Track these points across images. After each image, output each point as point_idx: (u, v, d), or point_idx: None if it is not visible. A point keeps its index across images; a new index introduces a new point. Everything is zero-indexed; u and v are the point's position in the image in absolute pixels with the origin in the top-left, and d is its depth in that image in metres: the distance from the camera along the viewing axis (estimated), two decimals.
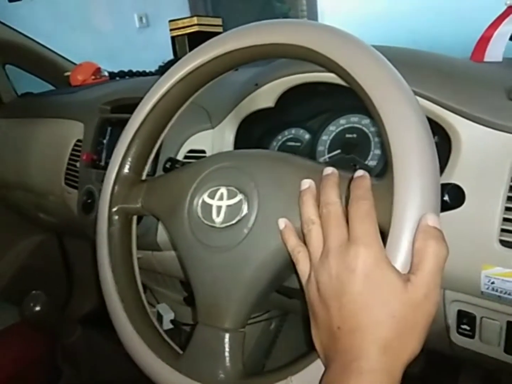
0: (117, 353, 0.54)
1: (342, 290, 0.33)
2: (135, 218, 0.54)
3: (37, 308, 0.69)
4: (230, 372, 0.41)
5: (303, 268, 0.38)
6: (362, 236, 0.33)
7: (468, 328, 0.51)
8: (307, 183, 0.40)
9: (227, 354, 0.42)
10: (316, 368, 0.37)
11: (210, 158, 0.50)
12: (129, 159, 0.53)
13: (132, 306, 0.49)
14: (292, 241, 0.39)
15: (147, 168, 0.55)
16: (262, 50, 0.44)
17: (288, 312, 0.93)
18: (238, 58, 0.47)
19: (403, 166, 0.34)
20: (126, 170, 0.53)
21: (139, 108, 0.52)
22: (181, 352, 0.46)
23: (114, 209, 0.52)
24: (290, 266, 0.46)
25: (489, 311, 0.48)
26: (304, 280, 0.38)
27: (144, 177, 0.55)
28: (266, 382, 0.39)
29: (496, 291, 0.45)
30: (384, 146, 0.36)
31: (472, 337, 0.51)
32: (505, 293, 0.44)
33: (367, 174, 0.37)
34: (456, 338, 0.52)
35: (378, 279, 0.32)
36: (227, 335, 0.42)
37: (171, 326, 0.92)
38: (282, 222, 0.40)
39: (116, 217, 0.52)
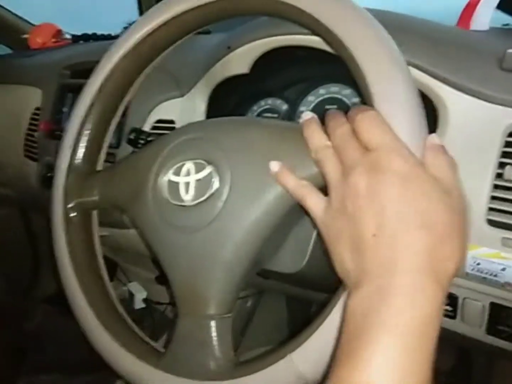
0: (83, 335, 0.50)
1: (377, 195, 0.29)
2: (95, 214, 0.49)
3: None
4: (222, 362, 0.37)
5: (315, 199, 0.34)
6: (383, 141, 0.30)
7: (450, 308, 0.49)
8: (309, 114, 0.37)
9: (215, 343, 0.38)
10: (316, 341, 0.34)
11: (171, 133, 0.45)
12: (81, 146, 0.47)
13: (104, 313, 0.45)
14: (292, 179, 0.35)
15: (102, 157, 0.50)
16: (241, 4, 0.39)
17: (264, 290, 0.91)
18: (207, 13, 0.42)
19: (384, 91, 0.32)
20: (78, 160, 0.48)
21: (88, 85, 0.47)
22: (162, 350, 0.42)
23: (70, 205, 0.47)
24: (278, 231, 0.41)
25: (472, 292, 0.47)
26: (319, 210, 0.33)
27: (99, 167, 0.50)
28: (263, 365, 0.36)
29: (482, 272, 0.43)
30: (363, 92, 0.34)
31: (453, 317, 0.49)
32: (490, 274, 0.42)
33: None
34: None
35: (416, 178, 0.29)
36: (213, 323, 0.38)
37: (143, 305, 0.89)
38: (275, 165, 0.36)
39: (73, 214, 0.47)
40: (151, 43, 0.45)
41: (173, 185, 0.40)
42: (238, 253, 0.38)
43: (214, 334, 0.38)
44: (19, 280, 1.06)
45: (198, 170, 0.39)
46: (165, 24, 0.43)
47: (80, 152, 0.48)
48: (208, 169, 0.39)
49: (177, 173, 0.40)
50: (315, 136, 0.35)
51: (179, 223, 0.40)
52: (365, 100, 0.34)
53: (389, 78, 0.32)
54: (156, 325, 0.87)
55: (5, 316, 0.80)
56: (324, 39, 0.36)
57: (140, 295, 0.91)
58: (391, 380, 0.26)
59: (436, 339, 0.27)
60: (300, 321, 1.01)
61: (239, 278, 0.39)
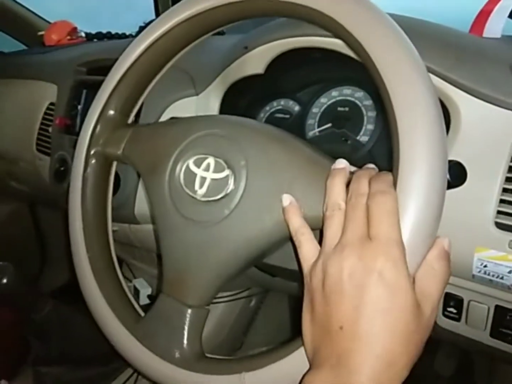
0: (89, 327, 0.51)
1: (355, 290, 0.30)
2: (114, 165, 0.50)
3: (4, 281, 0.66)
4: (186, 351, 0.39)
5: (307, 252, 0.34)
6: (385, 236, 0.30)
7: (454, 311, 0.50)
8: (342, 163, 0.36)
9: (186, 331, 0.39)
10: (271, 371, 0.35)
11: (203, 120, 0.46)
12: (117, 97, 0.48)
13: (97, 257, 0.47)
14: (297, 221, 0.36)
15: (135, 111, 0.50)
16: (254, 5, 0.40)
17: (268, 289, 0.92)
18: (227, 14, 0.43)
19: (411, 159, 0.31)
20: (111, 110, 0.48)
21: (132, 47, 0.47)
22: (142, 315, 0.44)
23: (92, 152, 0.48)
24: (269, 251, 0.44)
25: (477, 295, 0.47)
26: (307, 265, 0.34)
27: (130, 120, 0.50)
28: (218, 371, 0.38)
29: (488, 274, 0.43)
30: (390, 127, 0.33)
31: (458, 320, 0.50)
32: (497, 277, 0.43)
33: (389, 174, 0.33)
34: (442, 320, 0.51)
35: (396, 286, 0.29)
36: (188, 311, 0.40)
37: (148, 301, 0.89)
38: (287, 199, 0.37)
39: (94, 160, 0.48)
40: (170, 42, 0.46)
41: (190, 174, 0.41)
42: (229, 260, 0.40)
43: (186, 321, 0.40)
44: (26, 272, 1.07)
45: (216, 170, 0.40)
46: (184, 22, 0.43)
47: (114, 103, 0.48)
48: (225, 172, 0.40)
49: (197, 164, 0.41)
50: (335, 191, 0.34)
51: (186, 213, 0.41)
52: (384, 106, 0.34)
53: (409, 89, 0.32)
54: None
55: (13, 306, 0.80)
56: (345, 41, 0.37)
57: (145, 291, 0.91)
58: None
59: None
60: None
61: (225, 279, 0.40)
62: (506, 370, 0.73)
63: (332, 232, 0.33)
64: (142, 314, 0.44)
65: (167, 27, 0.45)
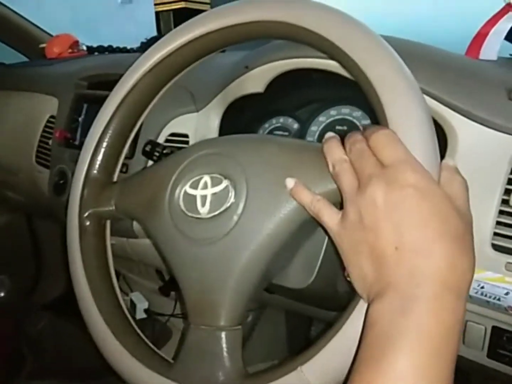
0: (84, 341, 0.51)
1: (396, 207, 0.30)
2: (108, 223, 0.50)
3: (1, 294, 0.65)
4: (231, 373, 0.38)
5: (330, 213, 0.34)
6: (400, 158, 0.31)
7: None
8: (331, 133, 0.37)
9: (225, 354, 0.38)
10: (326, 354, 0.34)
11: (189, 148, 0.47)
12: (99, 158, 0.49)
13: (115, 322, 0.45)
14: (307, 194, 0.36)
15: (118, 169, 0.51)
16: (260, 28, 0.41)
17: (265, 306, 0.91)
18: (227, 36, 0.43)
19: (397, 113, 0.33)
20: (95, 171, 0.49)
21: (110, 99, 0.49)
22: (170, 360, 0.42)
23: (85, 215, 0.48)
24: (289, 246, 0.42)
25: (474, 315, 0.47)
26: (334, 223, 0.34)
27: (115, 178, 0.51)
28: (273, 377, 0.36)
29: (485, 295, 0.43)
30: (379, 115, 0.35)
31: None
32: (494, 298, 0.43)
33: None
34: None
35: (431, 194, 0.30)
36: (223, 334, 0.38)
37: (144, 315, 0.89)
38: (290, 181, 0.37)
39: (88, 223, 0.48)
40: (175, 60, 0.46)
41: (190, 198, 0.41)
42: (250, 267, 0.39)
43: (224, 345, 0.38)
44: (21, 285, 1.07)
45: (214, 184, 0.40)
46: (189, 43, 0.44)
47: (98, 163, 0.49)
48: (224, 183, 0.40)
49: (194, 186, 0.41)
50: (334, 150, 0.36)
51: (194, 235, 0.41)
52: (380, 123, 0.35)
53: (404, 103, 0.33)
54: (156, 336, 0.87)
55: (9, 319, 0.80)
56: (341, 63, 0.38)
57: (141, 305, 0.90)
58: None
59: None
60: (299, 338, 1.01)
61: (250, 291, 0.39)
62: None
63: (348, 180, 0.33)
64: (168, 358, 0.43)
65: (160, 56, 0.46)
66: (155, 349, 0.44)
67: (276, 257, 0.40)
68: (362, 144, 0.34)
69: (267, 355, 0.96)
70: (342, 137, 0.59)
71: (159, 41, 0.46)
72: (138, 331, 0.46)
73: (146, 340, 0.45)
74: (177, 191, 0.42)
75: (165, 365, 0.42)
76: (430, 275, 0.29)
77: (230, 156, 0.41)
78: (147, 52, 0.47)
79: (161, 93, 0.50)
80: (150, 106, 0.50)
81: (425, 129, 0.33)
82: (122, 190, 0.48)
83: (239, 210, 0.39)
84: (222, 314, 0.39)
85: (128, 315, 0.47)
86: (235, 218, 0.39)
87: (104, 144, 0.49)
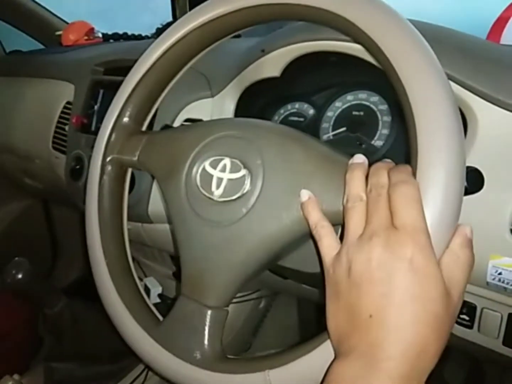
0: (101, 324, 0.52)
1: (385, 278, 0.30)
2: (129, 171, 0.51)
3: (19, 276, 0.67)
4: (207, 352, 0.39)
5: (329, 245, 0.34)
6: (411, 223, 0.30)
7: (467, 318, 0.49)
8: (361, 158, 0.36)
9: (206, 331, 0.40)
10: (296, 367, 0.35)
11: (218, 123, 0.47)
12: (131, 106, 0.49)
13: (115, 263, 0.47)
14: (316, 215, 0.36)
15: (149, 119, 0.51)
16: (282, 9, 0.40)
17: (278, 292, 0.92)
18: (245, 18, 0.43)
19: (430, 162, 0.31)
20: (125, 118, 0.49)
21: (146, 54, 0.48)
22: (161, 319, 0.44)
23: (109, 159, 0.49)
24: (288, 249, 0.43)
25: (491, 302, 0.47)
26: (328, 257, 0.34)
27: (144, 128, 0.51)
28: (241, 370, 0.37)
29: (503, 282, 0.43)
30: (408, 131, 0.33)
31: (470, 327, 0.49)
32: (511, 284, 0.43)
33: (407, 165, 0.34)
34: (453, 327, 0.51)
35: (426, 273, 0.29)
36: (209, 312, 0.40)
37: (158, 300, 0.90)
38: (305, 194, 0.37)
39: (110, 167, 0.49)
40: (189, 43, 0.46)
41: (207, 176, 0.42)
42: (249, 259, 0.40)
43: (207, 322, 0.40)
44: (39, 268, 1.09)
45: (233, 170, 0.40)
46: (205, 24, 0.44)
47: (128, 111, 0.49)
48: (242, 172, 0.40)
49: (213, 165, 0.41)
50: (355, 184, 0.34)
51: (203, 214, 0.41)
52: (404, 114, 0.34)
53: (429, 96, 0.32)
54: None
55: (25, 302, 0.82)
56: (366, 48, 0.37)
57: (155, 290, 0.91)
58: None
59: None
60: (311, 325, 1.02)
61: (244, 279, 0.40)
62: None
63: (355, 223, 0.33)
64: (160, 317, 0.45)
65: (182, 33, 0.45)
66: (159, 316, 0.45)
67: (276, 256, 0.41)
68: (383, 190, 0.33)
69: (279, 341, 0.97)
70: (360, 123, 0.60)
71: (174, 23, 0.46)
72: (155, 310, 0.46)
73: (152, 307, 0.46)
74: (197, 165, 0.42)
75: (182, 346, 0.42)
76: (397, 355, 0.28)
77: (255, 145, 0.40)
78: (162, 35, 0.47)
79: (177, 76, 0.50)
80: (167, 90, 0.50)
81: (453, 185, 0.31)
82: (148, 143, 0.48)
83: (250, 204, 0.39)
84: (211, 294, 0.40)
85: (148, 300, 0.48)
86: (244, 210, 0.39)
87: (134, 99, 0.49)
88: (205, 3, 0.45)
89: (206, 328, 0.40)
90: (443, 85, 0.33)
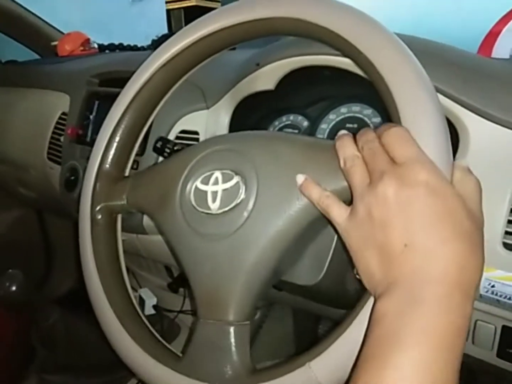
0: (95, 336, 0.51)
1: (407, 205, 0.30)
2: (119, 217, 0.51)
3: (13, 288, 0.66)
4: (239, 368, 0.38)
5: (339, 208, 0.35)
6: (414, 155, 0.31)
7: None
8: (345, 131, 0.37)
9: (233, 349, 0.38)
10: (334, 351, 0.34)
11: (201, 144, 0.47)
12: (111, 153, 0.49)
13: (125, 315, 0.46)
14: (317, 190, 0.36)
15: (130, 164, 0.51)
16: (273, 24, 0.41)
17: (273, 303, 0.91)
18: (238, 33, 0.44)
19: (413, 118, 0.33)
20: (107, 165, 0.49)
21: (122, 96, 0.49)
22: (179, 354, 0.43)
23: (97, 208, 0.48)
24: (299, 243, 0.42)
25: (484, 315, 0.47)
26: (343, 219, 0.34)
27: (127, 173, 0.51)
28: (281, 372, 0.36)
29: (496, 294, 0.43)
30: None
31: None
32: (504, 297, 0.43)
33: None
34: None
35: (443, 193, 0.30)
36: (232, 329, 0.39)
37: (153, 311, 0.89)
38: (300, 177, 0.37)
39: (100, 216, 0.48)
40: (186, 57, 0.46)
41: (201, 193, 0.42)
42: (259, 263, 0.39)
43: (232, 340, 0.38)
44: (33, 280, 1.08)
45: (225, 180, 0.41)
46: (201, 40, 0.44)
47: (110, 157, 0.49)
48: (235, 179, 0.40)
49: (205, 182, 0.42)
50: (347, 146, 0.35)
51: (205, 230, 0.41)
52: (393, 121, 0.35)
53: (418, 103, 0.33)
54: (165, 332, 0.88)
55: (20, 313, 0.81)
56: (355, 61, 0.38)
57: (150, 301, 0.91)
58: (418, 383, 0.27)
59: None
60: (307, 336, 1.01)
61: (259, 287, 0.39)
62: None
63: (360, 176, 0.33)
64: (177, 352, 0.43)
65: (172, 53, 0.46)
66: (166, 343, 0.45)
67: (286, 253, 0.40)
68: (375, 142, 0.34)
69: (275, 352, 0.96)
70: (354, 135, 0.60)
71: (171, 38, 0.47)
72: (149, 326, 0.46)
73: (156, 334, 0.46)
74: (188, 186, 0.42)
75: (175, 360, 0.42)
76: (438, 275, 0.29)
77: (241, 152, 0.41)
78: (159, 48, 0.48)
79: (172, 89, 0.50)
80: (162, 103, 0.51)
81: (439, 128, 0.33)
82: (134, 184, 0.48)
83: (250, 206, 0.39)
84: (231, 309, 0.39)
85: (139, 310, 0.47)
86: (245, 214, 0.39)
87: (117, 139, 0.49)
88: (200, 18, 0.46)
89: (233, 346, 0.38)
90: (430, 96, 0.34)
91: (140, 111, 0.49)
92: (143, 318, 0.47)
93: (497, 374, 0.51)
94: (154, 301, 0.91)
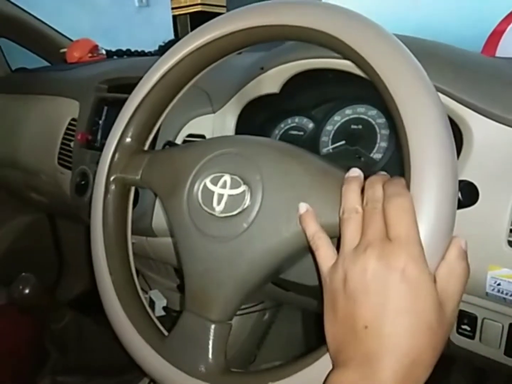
0: (106, 338, 0.52)
1: (380, 285, 0.30)
2: (132, 190, 0.52)
3: (26, 291, 0.68)
4: (211, 366, 0.40)
5: (325, 255, 0.35)
6: (405, 235, 0.31)
7: (468, 328, 0.50)
8: (356, 172, 0.37)
9: (210, 345, 0.40)
10: (299, 379, 0.36)
11: (217, 141, 0.48)
12: (133, 126, 0.50)
13: (120, 278, 0.48)
14: (313, 226, 0.37)
15: (151, 138, 0.53)
16: (274, 31, 0.42)
17: (282, 303, 0.92)
18: (243, 39, 0.44)
19: (422, 175, 0.32)
20: (128, 138, 0.51)
21: (147, 76, 0.50)
22: (166, 334, 0.45)
23: (112, 178, 0.50)
24: (289, 262, 0.44)
25: (491, 313, 0.47)
26: (325, 267, 0.35)
27: (147, 147, 0.52)
28: (244, 383, 0.38)
29: (502, 292, 0.44)
30: (401, 144, 0.34)
31: (472, 337, 0.50)
32: (510, 295, 0.43)
33: (401, 178, 0.35)
34: (456, 338, 0.51)
35: (419, 284, 0.30)
36: (212, 326, 0.41)
37: (163, 313, 0.90)
38: (303, 207, 0.38)
39: (113, 186, 0.50)
40: (193, 62, 0.47)
41: (208, 193, 0.43)
42: (250, 273, 0.40)
43: (211, 337, 0.40)
44: (45, 282, 1.10)
45: (233, 186, 0.41)
46: (207, 44, 0.45)
47: (131, 131, 0.51)
48: (242, 188, 0.41)
49: (214, 182, 0.43)
50: (351, 196, 0.35)
51: (205, 230, 0.42)
52: (396, 126, 0.35)
53: (418, 107, 0.33)
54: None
55: (33, 316, 0.82)
56: (356, 64, 0.38)
57: (160, 303, 0.92)
58: None
59: None
60: (316, 337, 1.02)
61: (246, 292, 0.41)
62: None
63: (351, 234, 0.34)
64: (165, 332, 0.45)
65: (182, 54, 0.47)
66: (164, 331, 0.46)
67: (278, 267, 0.41)
68: (379, 203, 0.33)
69: (284, 353, 0.97)
70: (359, 136, 0.61)
71: (177, 43, 0.48)
72: (160, 325, 0.47)
73: (160, 326, 0.47)
74: (198, 182, 0.44)
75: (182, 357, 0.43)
76: (392, 365, 0.29)
77: (254, 161, 0.42)
78: (167, 53, 0.49)
79: (178, 95, 0.51)
80: (162, 117, 0.52)
81: (446, 197, 0.32)
82: (150, 162, 0.49)
83: (250, 219, 0.40)
84: (215, 308, 0.41)
85: (153, 316, 0.49)
86: (245, 225, 0.40)
87: (140, 114, 0.50)
88: (206, 24, 0.46)
89: (210, 342, 0.40)
90: (431, 97, 0.34)
91: (145, 119, 0.51)
92: (142, 298, 0.49)
93: (506, 372, 0.51)
94: (164, 302, 0.92)
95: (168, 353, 0.42)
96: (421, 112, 0.33)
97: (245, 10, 0.44)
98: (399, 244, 0.31)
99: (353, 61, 0.38)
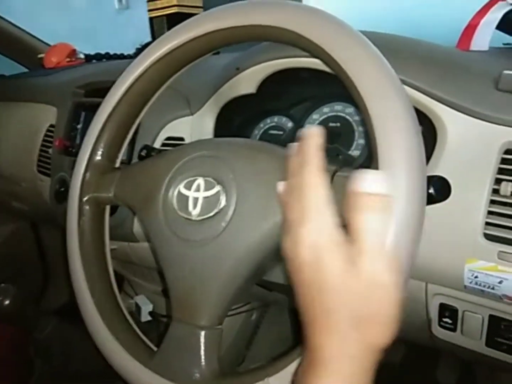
0: (91, 346, 0.52)
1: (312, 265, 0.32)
2: (107, 208, 0.51)
3: (7, 302, 0.67)
4: (205, 372, 0.39)
5: None
6: (308, 210, 0.33)
7: (450, 321, 0.50)
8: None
9: (202, 352, 0.40)
10: (293, 369, 0.35)
11: (188, 146, 0.48)
12: (102, 144, 0.50)
13: (104, 301, 0.47)
14: None
15: (121, 155, 0.52)
16: (243, 32, 0.42)
17: (269, 303, 0.92)
18: (217, 40, 0.44)
19: (389, 162, 0.32)
20: (98, 156, 0.50)
21: (112, 91, 0.49)
22: (155, 349, 0.44)
23: (85, 199, 0.49)
24: (271, 258, 0.44)
25: (471, 305, 0.48)
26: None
27: (117, 164, 0.52)
28: (242, 383, 0.38)
29: (479, 285, 0.44)
30: (369, 137, 0.34)
31: (453, 330, 0.50)
32: (488, 287, 0.44)
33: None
34: (438, 331, 0.52)
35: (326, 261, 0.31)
36: (202, 333, 0.40)
37: (149, 318, 0.90)
38: (281, 184, 0.38)
39: (87, 207, 0.49)
40: (166, 64, 0.47)
41: (183, 198, 0.42)
42: (235, 271, 0.40)
43: (202, 344, 0.40)
44: (29, 292, 1.08)
45: (207, 188, 0.41)
46: (180, 46, 0.45)
47: (101, 149, 0.50)
48: (216, 188, 0.41)
49: (188, 187, 0.42)
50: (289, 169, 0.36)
51: (184, 235, 0.42)
52: (363, 118, 0.35)
53: (383, 98, 0.34)
54: (161, 338, 0.88)
55: (16, 326, 0.81)
56: (323, 60, 0.38)
57: (146, 308, 0.91)
58: None
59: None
60: (304, 335, 1.02)
61: (233, 294, 0.41)
62: (509, 378, 0.73)
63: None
64: (153, 347, 0.44)
65: (145, 67, 0.47)
66: (152, 346, 0.45)
67: (262, 262, 0.41)
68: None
69: (273, 353, 0.96)
70: (337, 134, 0.61)
71: (150, 45, 0.47)
72: (146, 340, 0.46)
73: (139, 333, 0.47)
74: (172, 189, 0.43)
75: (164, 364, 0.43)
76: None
77: (225, 161, 0.41)
78: (131, 64, 0.48)
79: (154, 96, 0.51)
80: (130, 133, 0.52)
81: (413, 177, 0.33)
82: (122, 178, 0.48)
83: (228, 217, 0.40)
84: (203, 313, 0.40)
85: (124, 310, 0.48)
86: (223, 224, 0.40)
87: (108, 131, 0.50)
88: (179, 26, 0.46)
89: (202, 350, 0.39)
90: (396, 89, 0.34)
91: (114, 135, 0.50)
92: (127, 315, 0.48)
93: (489, 364, 0.52)
94: (150, 307, 0.91)
95: (160, 367, 0.41)
96: (385, 104, 0.34)
97: (216, 11, 0.44)
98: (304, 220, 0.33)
99: (320, 58, 0.38)
